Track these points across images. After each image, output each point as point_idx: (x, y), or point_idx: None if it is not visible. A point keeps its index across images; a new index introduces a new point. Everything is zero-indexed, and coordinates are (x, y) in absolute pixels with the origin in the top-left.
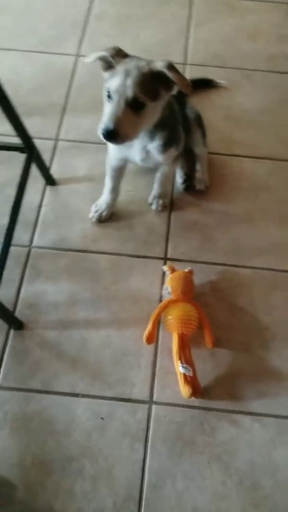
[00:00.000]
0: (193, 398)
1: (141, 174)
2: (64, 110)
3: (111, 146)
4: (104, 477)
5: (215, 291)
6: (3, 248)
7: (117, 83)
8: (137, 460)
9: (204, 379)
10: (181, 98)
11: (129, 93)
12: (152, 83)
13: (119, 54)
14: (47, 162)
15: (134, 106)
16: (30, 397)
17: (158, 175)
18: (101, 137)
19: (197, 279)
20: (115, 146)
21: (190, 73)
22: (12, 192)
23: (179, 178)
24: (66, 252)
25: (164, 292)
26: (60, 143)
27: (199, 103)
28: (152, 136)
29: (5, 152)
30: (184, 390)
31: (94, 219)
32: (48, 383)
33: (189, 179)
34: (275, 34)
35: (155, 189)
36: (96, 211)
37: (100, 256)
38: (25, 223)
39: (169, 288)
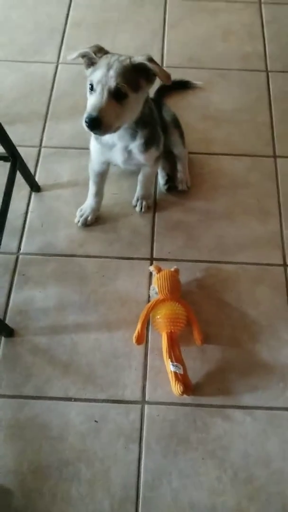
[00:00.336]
0: (185, 395)
1: (124, 177)
2: (46, 117)
3: (93, 150)
4: (100, 480)
5: (202, 288)
6: None
7: (100, 74)
8: (133, 460)
9: (195, 376)
10: (158, 101)
11: (112, 83)
12: (133, 75)
13: (101, 51)
14: (31, 169)
15: (116, 96)
16: (24, 403)
17: (140, 177)
18: (85, 126)
19: (184, 277)
20: (98, 149)
21: None
22: None
23: (161, 179)
24: (53, 257)
25: (152, 292)
26: (43, 150)
27: (176, 105)
28: (133, 134)
29: None
30: (176, 388)
31: (79, 224)
32: (41, 388)
33: (171, 179)
34: (247, 33)
35: (138, 191)
36: (81, 216)
37: (87, 259)
38: (12, 230)
39: (156, 288)
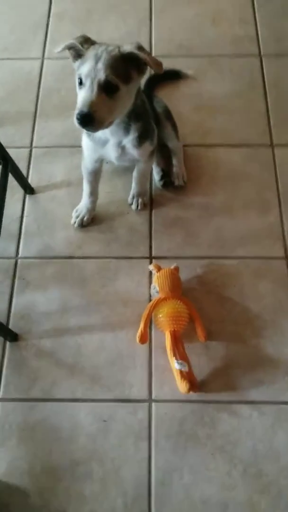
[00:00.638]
0: (191, 392)
1: (118, 174)
2: (35, 115)
3: (86, 147)
4: (112, 478)
5: (203, 285)
6: None
7: (88, 67)
8: (143, 458)
9: (200, 373)
10: (148, 93)
11: (101, 76)
12: (123, 65)
13: (87, 41)
14: (23, 171)
15: (107, 89)
16: (32, 406)
17: (135, 174)
18: (76, 123)
19: (184, 275)
20: (90, 146)
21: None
22: None
23: (156, 175)
24: (52, 260)
25: (153, 291)
26: (34, 150)
27: (167, 95)
28: (126, 129)
29: None
30: (182, 386)
31: (76, 225)
32: (48, 391)
33: (166, 175)
34: (238, 17)
35: (134, 189)
36: (77, 217)
37: (86, 261)
38: (9, 235)
39: (157, 286)
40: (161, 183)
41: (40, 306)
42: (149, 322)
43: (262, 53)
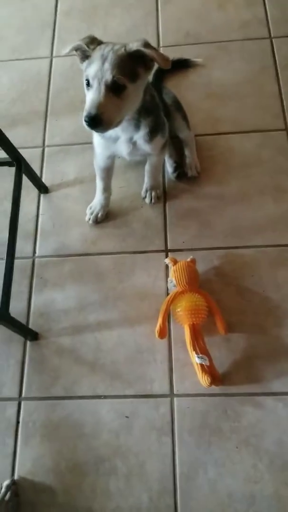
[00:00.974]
0: (213, 386)
1: (131, 169)
2: (46, 115)
3: (97, 145)
4: (137, 474)
5: (221, 276)
6: (6, 264)
7: (95, 68)
8: (167, 453)
9: (221, 366)
10: (157, 84)
11: (108, 76)
12: (130, 64)
13: (94, 42)
14: (37, 171)
15: (114, 89)
16: (55, 404)
17: (147, 167)
18: (85, 125)
19: (201, 267)
20: (102, 143)
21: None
22: (9, 205)
23: (169, 167)
24: (68, 257)
25: (170, 285)
26: (47, 150)
27: (176, 85)
28: (137, 125)
29: None
30: (203, 380)
31: (90, 222)
32: (70, 388)
33: (179, 167)
34: (245, 0)
35: (147, 182)
36: (92, 213)
37: (102, 257)
38: (25, 235)
39: (174, 280)
40: (175, 175)
41: (58, 304)
42: (167, 317)
43: (272, 35)
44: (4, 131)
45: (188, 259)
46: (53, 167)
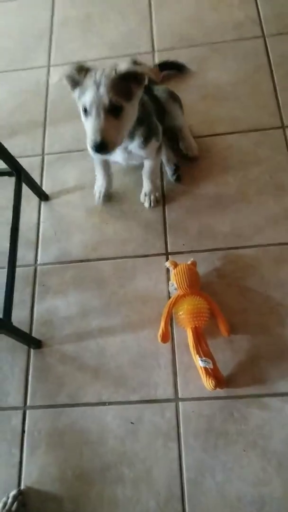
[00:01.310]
0: (218, 389)
1: (129, 173)
2: (45, 123)
3: (92, 153)
4: (144, 480)
5: (222, 277)
6: (8, 273)
7: (91, 95)
8: (173, 458)
9: (226, 368)
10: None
11: (105, 100)
12: (123, 84)
13: (82, 69)
14: (37, 179)
15: (113, 111)
16: (60, 412)
17: (144, 172)
18: (92, 153)
19: (202, 268)
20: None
21: (160, 60)
22: (10, 214)
23: (169, 170)
24: (70, 264)
25: (171, 288)
26: (46, 158)
27: (172, 88)
28: (131, 135)
29: None
30: (208, 383)
31: (100, 200)
32: (75, 396)
33: (178, 169)
34: (237, 0)
35: (145, 186)
36: (100, 193)
37: (103, 262)
38: (27, 243)
39: (175, 283)
40: (174, 177)
41: (61, 311)
42: (169, 321)
43: (265, 34)
44: (3, 141)
45: (189, 262)
46: (53, 175)
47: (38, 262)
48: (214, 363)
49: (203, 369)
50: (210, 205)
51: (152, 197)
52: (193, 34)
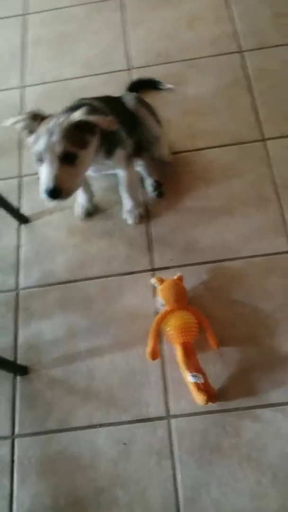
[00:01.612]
0: (209, 403)
1: (112, 191)
2: (21, 144)
3: None
4: (139, 502)
5: (210, 291)
6: None
7: (43, 143)
8: (168, 477)
9: (217, 382)
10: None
11: (58, 149)
12: (76, 133)
13: (37, 117)
14: (15, 201)
15: (67, 160)
16: (50, 438)
17: (121, 186)
18: (45, 198)
19: (189, 283)
20: None
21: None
22: None
23: (149, 187)
24: (54, 286)
25: (158, 305)
26: (25, 179)
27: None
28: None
29: None
30: (199, 398)
31: (82, 217)
32: (65, 420)
33: (160, 186)
34: (213, 16)
35: (126, 204)
36: (81, 209)
37: (89, 282)
38: (7, 267)
39: (162, 299)
40: (155, 193)
41: (47, 335)
42: (157, 337)
43: (242, 49)
44: None
45: (175, 277)
46: (32, 196)
47: (21, 286)
48: (204, 377)
49: (193, 384)
50: (195, 219)
51: (136, 212)
52: (169, 51)
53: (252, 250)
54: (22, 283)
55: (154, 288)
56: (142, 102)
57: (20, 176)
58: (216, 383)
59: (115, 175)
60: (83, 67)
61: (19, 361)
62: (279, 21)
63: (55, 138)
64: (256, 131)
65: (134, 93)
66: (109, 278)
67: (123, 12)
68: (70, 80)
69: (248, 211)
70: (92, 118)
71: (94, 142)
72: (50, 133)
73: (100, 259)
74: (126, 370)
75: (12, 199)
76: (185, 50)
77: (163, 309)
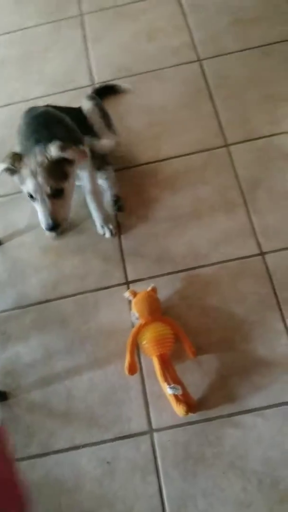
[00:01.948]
0: (190, 414)
1: (80, 205)
2: None
3: None
4: None
5: (184, 299)
6: None
7: (31, 185)
8: (154, 493)
9: (196, 391)
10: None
11: (46, 188)
12: (57, 168)
13: (16, 158)
14: None
15: (56, 195)
16: (33, 463)
17: (88, 200)
18: (48, 234)
19: (164, 293)
20: None
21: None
22: None
23: (110, 201)
24: (29, 307)
25: (133, 318)
26: None
27: (119, 117)
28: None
29: None
30: (179, 410)
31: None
32: (47, 444)
33: (119, 200)
34: (172, 26)
35: (97, 216)
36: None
37: (64, 300)
38: None
39: (136, 313)
40: (116, 207)
41: (24, 358)
42: (134, 352)
43: (200, 57)
44: None
45: (149, 289)
46: (4, 218)
47: None
48: (183, 388)
49: (172, 396)
50: (165, 229)
51: (110, 226)
52: (131, 64)
53: (223, 255)
54: None
55: (129, 302)
56: (95, 111)
57: None
58: (195, 393)
59: (79, 186)
60: (51, 85)
61: None
62: (235, 28)
63: (40, 179)
64: (219, 137)
65: (89, 96)
66: (84, 295)
67: (83, 28)
68: (38, 99)
69: (217, 216)
70: (67, 153)
71: (73, 170)
72: (35, 175)
73: (74, 276)
74: (105, 387)
75: None
76: (148, 62)
77: (138, 322)
